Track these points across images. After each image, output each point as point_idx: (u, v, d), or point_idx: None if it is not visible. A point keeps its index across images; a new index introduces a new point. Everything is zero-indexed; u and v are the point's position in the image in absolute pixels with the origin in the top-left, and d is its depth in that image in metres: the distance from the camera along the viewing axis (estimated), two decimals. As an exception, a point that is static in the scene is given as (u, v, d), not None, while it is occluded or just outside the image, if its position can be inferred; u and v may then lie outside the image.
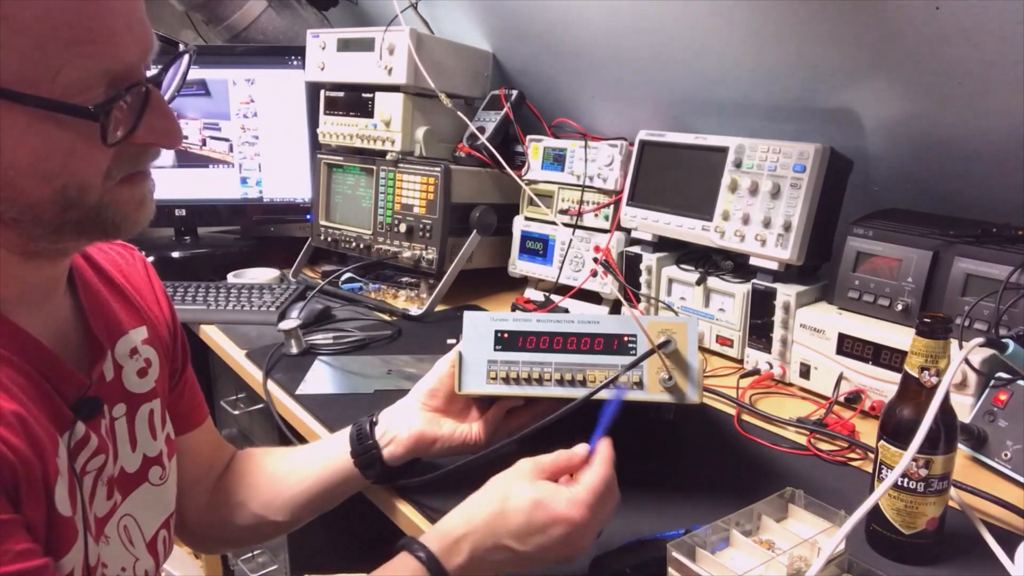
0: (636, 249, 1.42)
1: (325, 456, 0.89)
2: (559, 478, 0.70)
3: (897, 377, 0.78)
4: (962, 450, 0.94)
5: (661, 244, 1.41)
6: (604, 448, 0.70)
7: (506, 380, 0.83)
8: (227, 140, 1.83)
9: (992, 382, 0.96)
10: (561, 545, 0.66)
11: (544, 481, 0.68)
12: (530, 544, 0.66)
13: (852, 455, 0.97)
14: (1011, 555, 0.74)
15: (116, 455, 0.70)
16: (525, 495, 0.67)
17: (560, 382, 0.82)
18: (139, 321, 0.78)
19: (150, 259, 1.82)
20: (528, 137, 1.59)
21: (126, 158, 0.60)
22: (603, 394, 0.80)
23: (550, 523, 0.65)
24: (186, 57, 0.66)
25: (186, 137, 1.81)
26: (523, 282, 1.65)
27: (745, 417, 1.09)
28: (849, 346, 1.10)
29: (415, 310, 1.51)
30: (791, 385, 1.20)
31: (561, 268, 1.53)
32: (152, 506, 0.75)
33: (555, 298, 1.51)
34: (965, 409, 0.97)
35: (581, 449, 0.71)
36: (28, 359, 0.60)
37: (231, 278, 1.70)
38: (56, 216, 0.58)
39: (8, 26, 0.52)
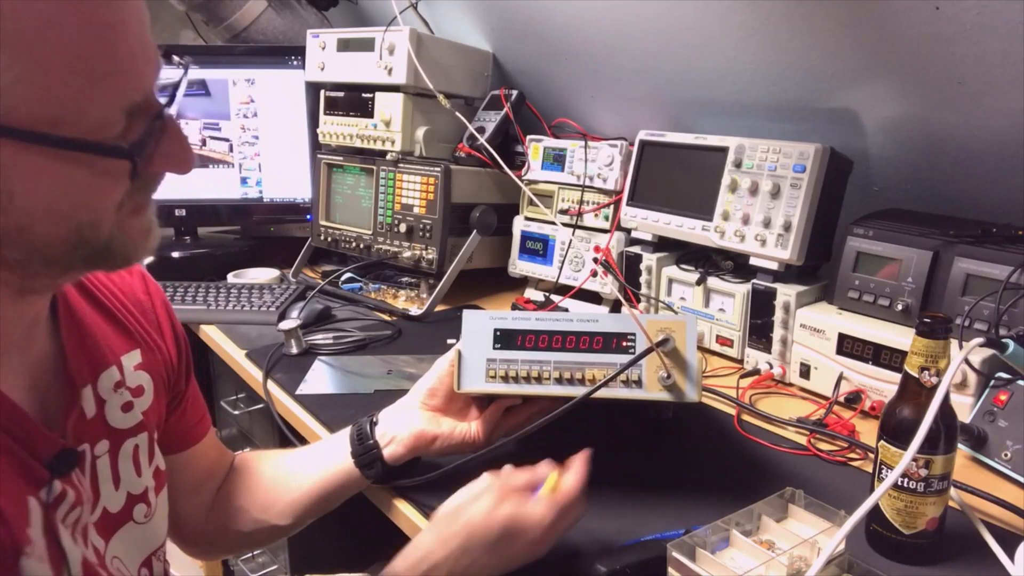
0: (636, 249, 1.42)
1: (325, 457, 0.89)
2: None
3: (897, 377, 0.78)
4: (962, 450, 0.94)
5: (661, 244, 1.41)
6: (580, 460, 0.75)
7: (505, 378, 0.83)
8: (227, 140, 1.83)
9: (992, 382, 0.96)
10: (526, 549, 0.71)
11: (511, 497, 0.72)
12: (498, 555, 0.71)
13: (852, 455, 0.97)
14: (1011, 555, 0.74)
15: (97, 496, 0.66)
16: (495, 513, 0.71)
17: (559, 380, 0.82)
18: (131, 344, 0.74)
19: (149, 259, 1.82)
20: (528, 137, 1.59)
21: (138, 188, 0.57)
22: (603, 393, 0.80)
23: (517, 535, 0.70)
24: (185, 71, 0.62)
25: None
26: (523, 282, 1.65)
27: (745, 417, 1.09)
28: (849, 346, 1.10)
29: (415, 310, 1.51)
30: (791, 385, 1.20)
31: (561, 268, 1.53)
32: (135, 545, 0.71)
33: (555, 298, 1.51)
34: (965, 409, 0.97)
35: (546, 468, 0.75)
36: None
37: (231, 278, 1.70)
38: (66, 255, 0.55)
39: (28, 60, 0.47)
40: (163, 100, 0.57)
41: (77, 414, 0.65)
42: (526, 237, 1.60)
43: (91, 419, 0.67)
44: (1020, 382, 0.93)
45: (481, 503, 0.72)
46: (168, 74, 0.58)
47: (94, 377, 0.68)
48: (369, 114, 1.64)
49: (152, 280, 0.81)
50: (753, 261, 1.23)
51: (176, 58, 0.62)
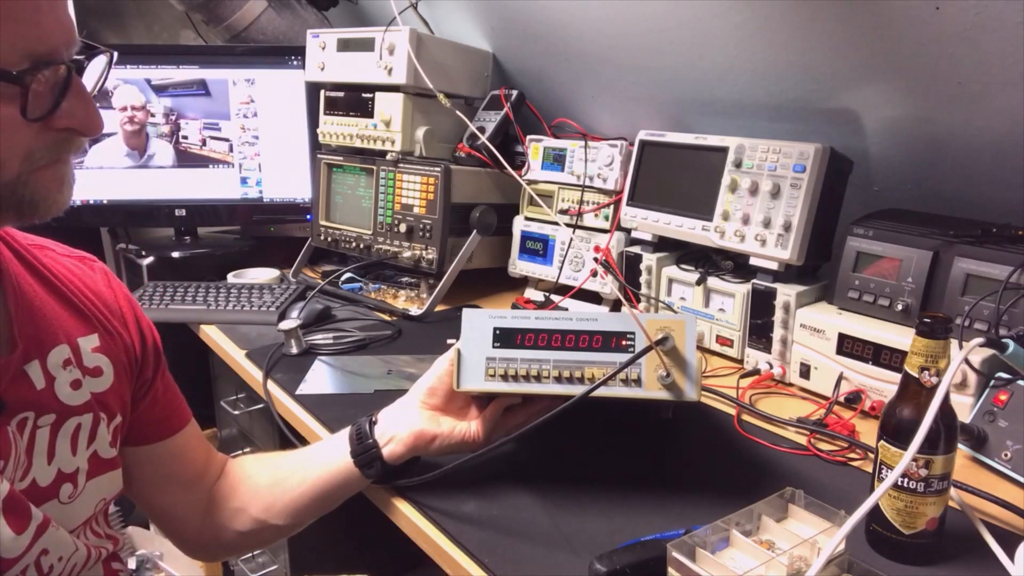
0: (636, 249, 1.42)
1: (324, 457, 0.89)
2: None
3: (897, 377, 0.78)
4: (962, 450, 0.94)
5: (661, 244, 1.41)
6: None
7: (504, 377, 0.83)
8: (227, 140, 1.83)
9: (992, 382, 0.96)
10: None
11: None
12: None
13: (852, 455, 0.97)
14: (1011, 555, 0.74)
15: (29, 466, 0.68)
16: None
17: (558, 379, 0.82)
18: (89, 329, 0.77)
19: (150, 259, 1.83)
20: (528, 137, 1.59)
21: (47, 144, 0.61)
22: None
23: None
24: (105, 56, 0.66)
25: (138, 123, 1.81)
26: (523, 282, 1.65)
27: (745, 417, 1.09)
28: (849, 346, 1.10)
29: (415, 310, 1.51)
30: (791, 385, 1.20)
31: (561, 268, 1.52)
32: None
33: (555, 298, 1.51)
34: (965, 409, 0.97)
35: None
36: None
37: (231, 278, 1.70)
38: None
39: None
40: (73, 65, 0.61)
41: (25, 383, 0.68)
42: (526, 237, 1.60)
43: (41, 391, 0.70)
44: (1020, 382, 0.93)
45: None
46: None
47: (42, 353, 0.71)
48: (369, 114, 1.64)
49: (116, 278, 0.85)
50: (753, 261, 1.23)
51: (102, 47, 0.66)
